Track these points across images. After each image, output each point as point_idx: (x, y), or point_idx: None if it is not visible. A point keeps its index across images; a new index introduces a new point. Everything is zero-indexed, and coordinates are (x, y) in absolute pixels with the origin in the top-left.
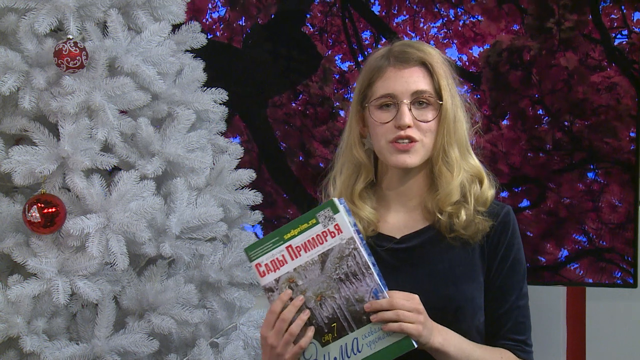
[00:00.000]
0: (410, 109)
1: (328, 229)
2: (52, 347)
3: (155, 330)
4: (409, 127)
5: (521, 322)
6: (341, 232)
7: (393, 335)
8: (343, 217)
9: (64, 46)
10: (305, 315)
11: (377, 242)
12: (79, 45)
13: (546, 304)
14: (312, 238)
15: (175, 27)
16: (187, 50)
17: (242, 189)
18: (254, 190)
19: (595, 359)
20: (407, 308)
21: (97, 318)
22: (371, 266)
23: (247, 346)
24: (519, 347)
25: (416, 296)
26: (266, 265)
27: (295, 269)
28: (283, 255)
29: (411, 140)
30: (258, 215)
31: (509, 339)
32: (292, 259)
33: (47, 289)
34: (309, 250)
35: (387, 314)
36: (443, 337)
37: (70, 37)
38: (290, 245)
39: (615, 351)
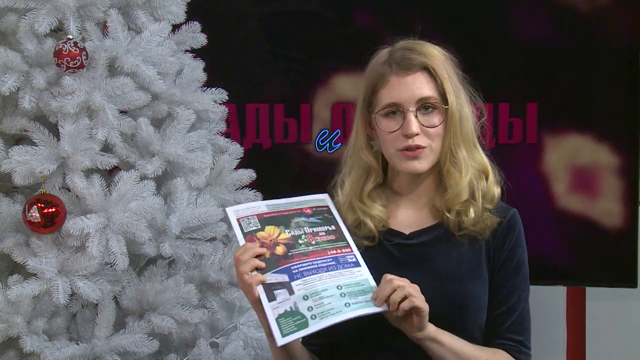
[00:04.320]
0: (416, 116)
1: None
2: (52, 347)
3: (155, 330)
4: (416, 134)
5: (520, 322)
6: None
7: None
8: None
9: (64, 46)
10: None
11: (386, 237)
12: (79, 45)
13: (546, 304)
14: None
15: (175, 27)
16: (187, 51)
17: (242, 189)
18: (254, 190)
19: (595, 359)
20: (410, 286)
21: (97, 318)
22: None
23: (247, 346)
24: (516, 348)
25: (406, 279)
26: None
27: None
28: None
29: (419, 147)
30: None
31: (507, 338)
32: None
33: (47, 289)
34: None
35: (397, 294)
36: (435, 327)
37: (70, 37)
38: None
39: (615, 351)
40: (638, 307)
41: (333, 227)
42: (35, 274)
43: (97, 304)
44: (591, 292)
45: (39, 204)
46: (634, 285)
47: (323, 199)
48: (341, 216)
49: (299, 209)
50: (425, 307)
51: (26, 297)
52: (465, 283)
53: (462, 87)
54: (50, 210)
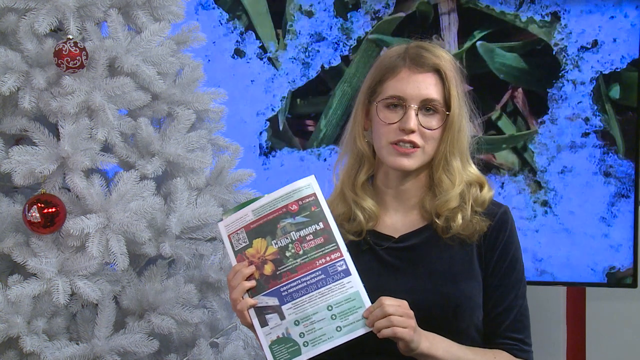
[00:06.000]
0: (417, 114)
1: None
2: (52, 347)
3: (155, 330)
4: (412, 132)
5: (519, 320)
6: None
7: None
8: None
9: (64, 46)
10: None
11: (376, 241)
12: (79, 45)
13: (546, 304)
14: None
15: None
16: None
17: (242, 188)
18: (254, 190)
19: (595, 359)
20: (399, 313)
21: (97, 318)
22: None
23: (247, 346)
24: (517, 347)
25: (405, 302)
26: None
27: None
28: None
29: (413, 145)
30: None
31: (507, 337)
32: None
33: (47, 289)
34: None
35: (381, 322)
36: (430, 341)
37: (70, 37)
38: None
39: (615, 351)
40: (638, 307)
41: (321, 225)
42: (35, 274)
43: (97, 304)
44: (591, 292)
45: (39, 204)
46: (634, 285)
47: (309, 184)
48: (332, 208)
49: (284, 206)
50: (408, 336)
51: (26, 297)
52: (459, 283)
53: (465, 101)
54: (50, 210)
